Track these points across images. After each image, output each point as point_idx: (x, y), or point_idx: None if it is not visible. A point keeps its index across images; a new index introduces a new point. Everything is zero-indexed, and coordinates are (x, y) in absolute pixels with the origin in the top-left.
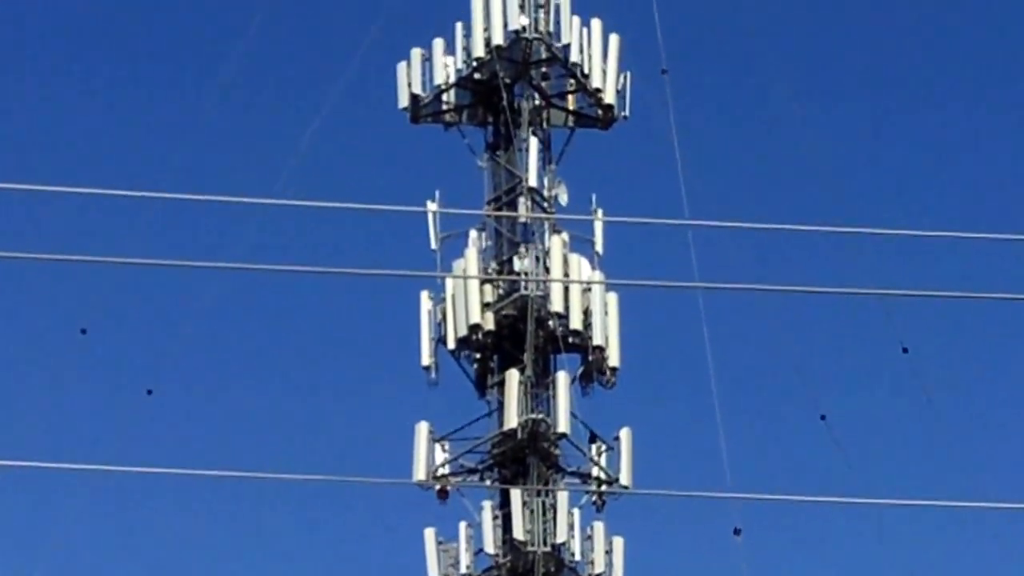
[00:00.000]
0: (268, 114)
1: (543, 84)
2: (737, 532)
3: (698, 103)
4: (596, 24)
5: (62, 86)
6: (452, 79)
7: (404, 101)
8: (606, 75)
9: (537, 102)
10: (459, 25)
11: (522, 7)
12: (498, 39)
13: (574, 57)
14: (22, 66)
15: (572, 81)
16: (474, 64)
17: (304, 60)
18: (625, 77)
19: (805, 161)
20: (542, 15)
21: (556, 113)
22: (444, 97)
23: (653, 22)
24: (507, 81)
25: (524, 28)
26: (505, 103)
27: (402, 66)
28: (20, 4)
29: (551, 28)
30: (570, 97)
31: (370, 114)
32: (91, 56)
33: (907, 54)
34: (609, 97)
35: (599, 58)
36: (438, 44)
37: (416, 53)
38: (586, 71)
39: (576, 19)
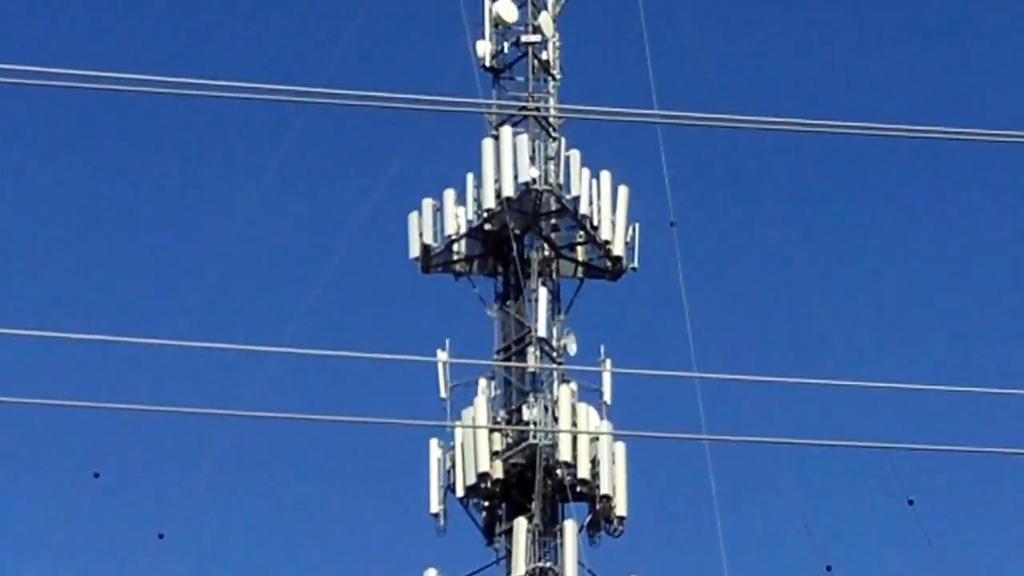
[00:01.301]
0: (280, 261)
1: (553, 235)
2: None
3: (707, 255)
4: (605, 176)
5: (71, 241)
6: (463, 229)
7: (415, 251)
8: (615, 227)
9: (547, 253)
10: (470, 176)
11: (532, 159)
12: (508, 191)
13: (584, 209)
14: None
15: (582, 233)
16: (485, 215)
17: (316, 209)
18: (634, 229)
19: (813, 313)
20: (552, 167)
21: (565, 264)
22: (455, 247)
23: (662, 174)
24: (517, 232)
25: (534, 180)
26: (515, 254)
27: (413, 216)
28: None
29: (561, 180)
30: (579, 248)
31: (381, 263)
32: (105, 207)
33: (909, 202)
34: (618, 249)
35: (608, 210)
36: (449, 195)
37: (427, 203)
38: (595, 223)
39: (586, 171)
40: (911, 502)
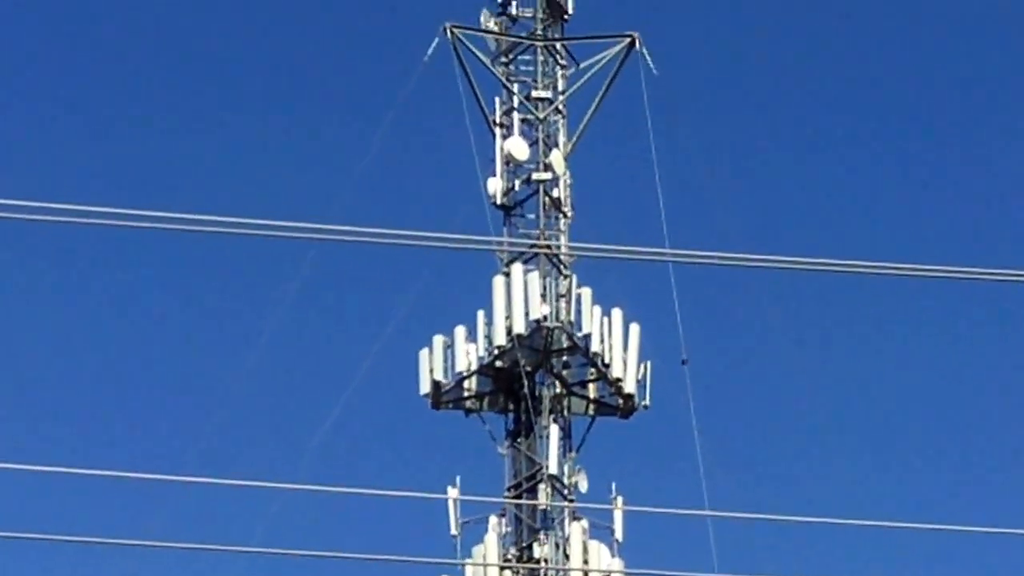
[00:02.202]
0: (291, 396)
1: (564, 373)
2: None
3: (719, 393)
4: (617, 314)
5: (81, 374)
6: (474, 366)
7: (426, 387)
8: (627, 365)
9: (558, 390)
10: (480, 313)
11: (544, 296)
12: (519, 328)
13: (595, 347)
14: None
15: (593, 370)
16: (495, 352)
17: (327, 344)
18: (646, 367)
19: (825, 452)
20: (563, 304)
21: (577, 401)
22: (465, 384)
23: (674, 312)
24: (528, 369)
25: (545, 317)
26: (526, 391)
27: (424, 353)
28: None
29: (572, 317)
30: (591, 386)
31: (392, 399)
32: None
33: (918, 338)
34: (629, 387)
35: (620, 347)
36: (460, 332)
37: (438, 340)
38: (607, 360)
39: (597, 308)
40: None
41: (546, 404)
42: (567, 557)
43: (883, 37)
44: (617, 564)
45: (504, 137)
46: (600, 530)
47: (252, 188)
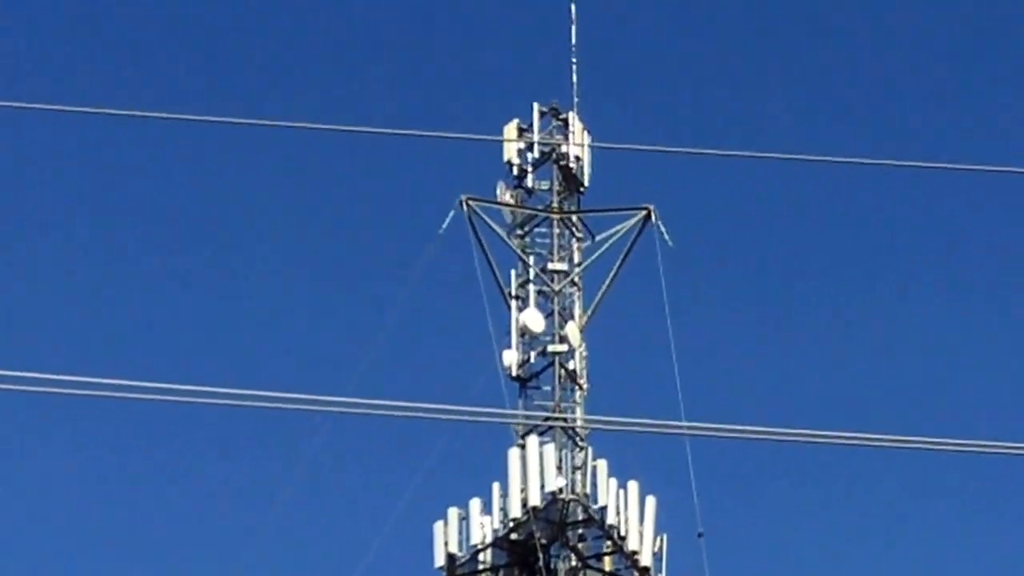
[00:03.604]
0: (306, 569)
1: (580, 545)
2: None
3: (735, 565)
4: (633, 486)
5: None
6: (488, 539)
7: (440, 560)
8: (643, 537)
9: (574, 563)
10: (496, 485)
11: (559, 468)
12: (535, 500)
13: (611, 519)
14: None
15: (609, 543)
16: (511, 524)
17: (342, 516)
18: (662, 540)
19: None
20: (579, 476)
21: (593, 574)
22: (480, 557)
23: (690, 484)
24: (544, 542)
25: (561, 489)
26: (541, 564)
27: (439, 525)
28: None
29: (588, 489)
30: (607, 559)
31: (406, 572)
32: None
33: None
34: (646, 559)
35: (636, 520)
36: (475, 504)
37: (453, 512)
38: (623, 533)
39: (613, 481)
40: None
41: None
42: None
43: (893, 204)
44: None
45: (520, 309)
46: None
47: (269, 359)
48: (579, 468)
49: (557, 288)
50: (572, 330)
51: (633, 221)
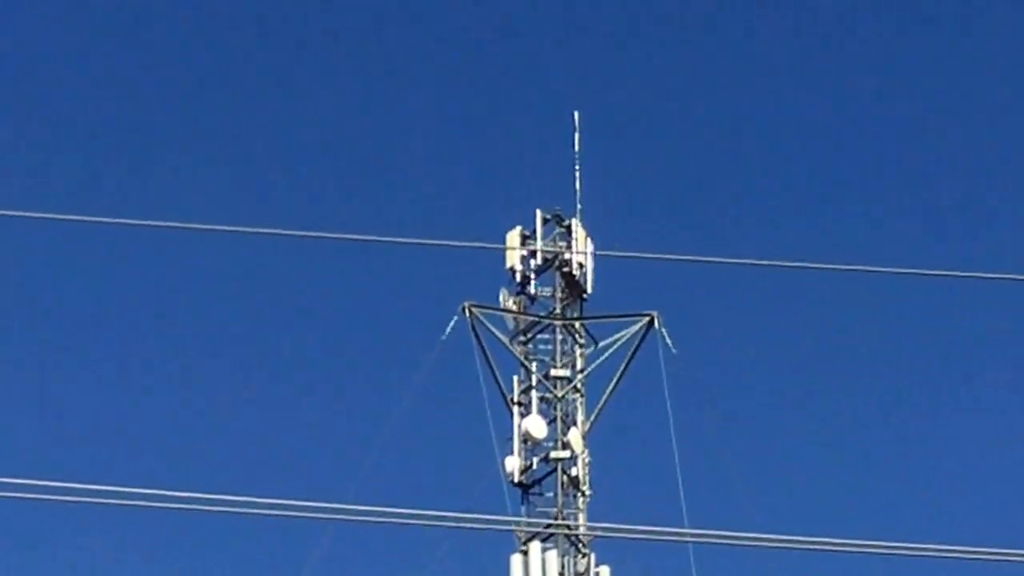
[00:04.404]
0: None
1: None
2: None
3: None
4: None
5: None
6: None
7: None
8: None
9: None
10: None
11: (562, 575)
12: None
13: None
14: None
15: None
16: None
17: None
18: None
19: None
20: None
21: None
22: None
23: None
24: None
25: None
26: None
27: None
28: None
29: None
30: None
31: None
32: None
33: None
34: None
35: None
36: None
37: None
38: None
39: None
40: None
41: None
42: None
43: (900, 310)
44: None
45: (522, 415)
46: None
47: (269, 466)
48: (582, 575)
49: (560, 394)
50: (575, 436)
51: (636, 328)
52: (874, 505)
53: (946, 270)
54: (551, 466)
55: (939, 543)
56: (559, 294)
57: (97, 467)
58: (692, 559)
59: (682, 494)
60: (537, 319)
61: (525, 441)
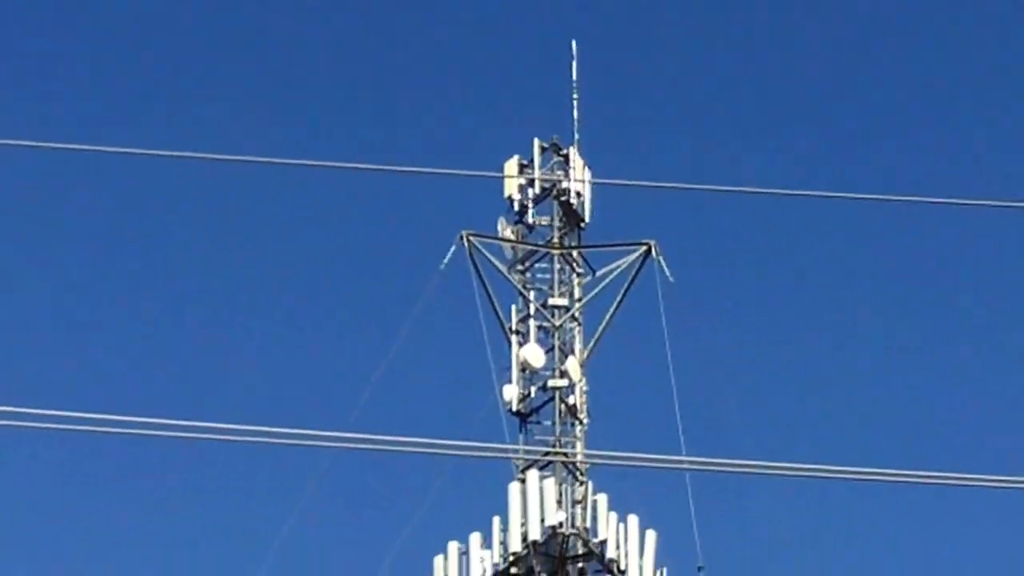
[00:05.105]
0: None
1: None
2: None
3: None
4: (633, 520)
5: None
6: (488, 573)
7: None
8: (642, 571)
9: None
10: (496, 519)
11: (559, 503)
12: (535, 534)
13: (611, 553)
14: None
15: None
16: (511, 558)
17: (341, 552)
18: (662, 573)
19: None
20: (579, 511)
21: None
22: None
23: (690, 518)
24: (544, 575)
25: (561, 523)
26: None
27: (439, 560)
28: None
29: (588, 524)
30: None
31: None
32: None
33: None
34: None
35: (636, 554)
36: (475, 538)
37: (453, 547)
38: (623, 567)
39: (613, 515)
40: None
41: None
42: None
43: (893, 237)
44: None
45: (520, 344)
46: None
47: (268, 396)
48: (579, 502)
49: (557, 323)
50: (572, 365)
51: (634, 256)
52: (869, 432)
53: (946, 198)
54: (549, 395)
55: (935, 471)
56: (557, 223)
57: (100, 396)
58: (689, 487)
59: (679, 422)
60: (535, 248)
61: (523, 370)
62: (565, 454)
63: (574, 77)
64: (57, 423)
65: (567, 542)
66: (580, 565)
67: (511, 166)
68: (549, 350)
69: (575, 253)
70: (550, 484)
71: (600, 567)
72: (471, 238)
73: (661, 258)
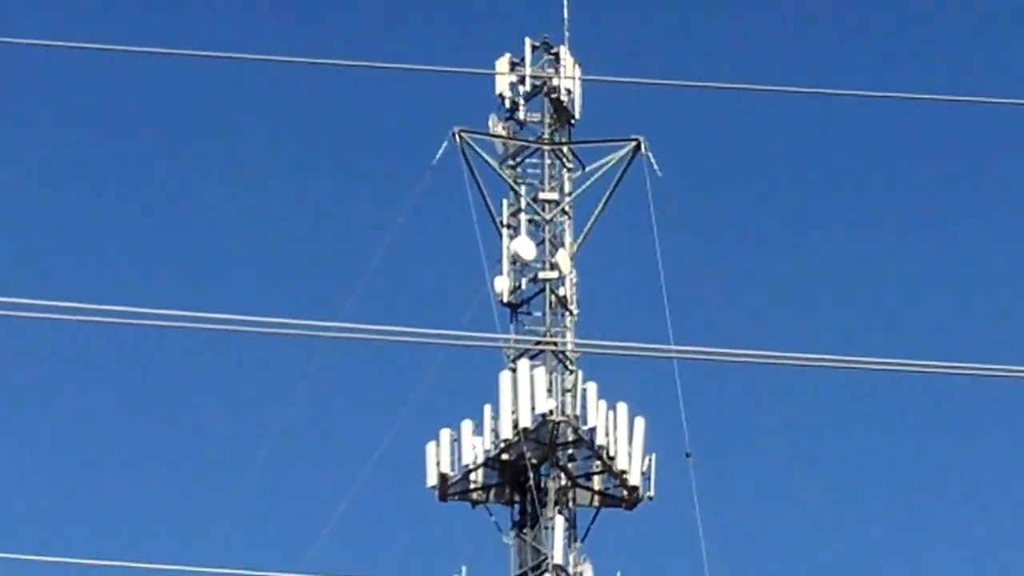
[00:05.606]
0: (299, 491)
1: (569, 465)
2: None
3: (722, 485)
4: (622, 408)
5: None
6: (480, 459)
7: (432, 480)
8: (631, 457)
9: (563, 482)
10: (487, 407)
11: (549, 391)
12: (526, 421)
13: (600, 440)
14: None
15: (598, 463)
16: (502, 445)
17: (335, 441)
18: (650, 459)
19: (829, 546)
20: (569, 399)
21: (582, 493)
22: (472, 476)
23: (678, 406)
24: (534, 462)
25: (551, 411)
26: (532, 483)
27: (431, 446)
28: None
29: (578, 411)
30: (596, 478)
31: (399, 492)
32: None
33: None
34: (634, 479)
35: (625, 441)
36: (467, 425)
37: (445, 434)
38: (612, 453)
39: (603, 403)
40: None
41: (551, 496)
42: None
43: (883, 135)
44: None
45: (511, 237)
46: None
47: (261, 286)
48: (569, 390)
49: (548, 217)
50: (563, 257)
51: (623, 152)
52: (854, 321)
53: (938, 94)
54: (539, 286)
55: (919, 359)
56: (547, 119)
57: (93, 286)
58: (677, 375)
59: (667, 311)
60: (526, 144)
61: (514, 262)
62: (555, 343)
63: None
64: (59, 314)
65: (557, 429)
66: (570, 451)
67: (502, 64)
68: (540, 243)
69: (565, 149)
70: (540, 373)
71: (590, 453)
72: (463, 134)
73: (650, 154)
